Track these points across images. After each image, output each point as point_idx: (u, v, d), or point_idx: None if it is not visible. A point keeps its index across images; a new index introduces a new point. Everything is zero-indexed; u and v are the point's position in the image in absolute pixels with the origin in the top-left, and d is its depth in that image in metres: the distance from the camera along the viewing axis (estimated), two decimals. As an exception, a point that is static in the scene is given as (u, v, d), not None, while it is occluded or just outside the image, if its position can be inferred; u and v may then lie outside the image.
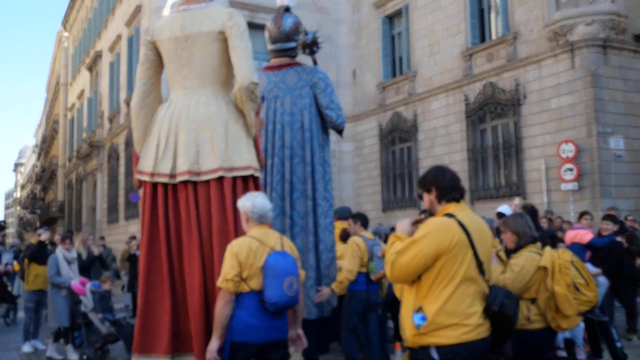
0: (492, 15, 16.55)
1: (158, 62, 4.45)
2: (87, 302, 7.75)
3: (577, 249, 7.43)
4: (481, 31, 16.72)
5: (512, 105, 15.13)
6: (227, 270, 3.65)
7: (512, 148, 15.22)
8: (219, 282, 3.68)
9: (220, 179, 4.13)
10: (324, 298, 5.56)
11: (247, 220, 3.87)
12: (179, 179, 4.15)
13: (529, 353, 4.06)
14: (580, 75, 13.61)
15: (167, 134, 4.22)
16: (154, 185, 4.25)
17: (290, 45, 5.90)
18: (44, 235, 9.85)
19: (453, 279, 3.01)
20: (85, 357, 7.72)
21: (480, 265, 3.07)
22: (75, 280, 7.93)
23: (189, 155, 4.13)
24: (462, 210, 3.19)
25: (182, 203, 4.17)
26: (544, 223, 9.10)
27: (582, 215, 8.39)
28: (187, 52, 4.26)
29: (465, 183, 16.21)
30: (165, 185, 4.22)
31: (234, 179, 4.18)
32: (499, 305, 3.04)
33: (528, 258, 4.09)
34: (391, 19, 20.05)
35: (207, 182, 4.14)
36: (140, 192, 4.53)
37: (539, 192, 14.31)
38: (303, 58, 6.21)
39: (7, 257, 10.54)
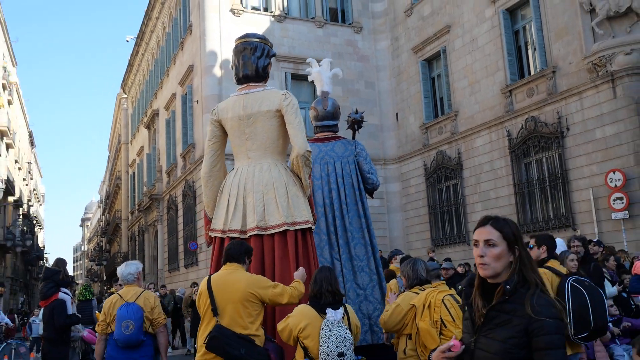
0: (530, 51, 16.41)
1: (222, 137, 5.10)
2: None
3: (635, 280, 7.13)
4: (520, 67, 16.57)
5: (556, 137, 14.81)
6: (99, 318, 5.54)
7: (558, 180, 14.83)
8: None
9: (284, 233, 4.75)
10: None
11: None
12: (249, 233, 4.76)
13: None
14: (624, 104, 13.26)
15: (236, 197, 4.85)
16: (223, 240, 4.85)
17: (335, 123, 6.95)
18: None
19: (202, 320, 4.14)
20: None
21: (214, 308, 4.01)
22: (85, 331, 8.06)
23: (256, 214, 4.74)
24: (224, 270, 4.18)
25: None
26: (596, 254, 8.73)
27: None
28: (250, 128, 4.89)
29: (513, 217, 15.87)
30: (233, 240, 4.78)
31: (296, 231, 4.79)
32: (205, 340, 3.96)
33: (405, 297, 4.55)
34: (430, 62, 20.12)
35: (273, 235, 4.74)
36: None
37: (589, 223, 13.83)
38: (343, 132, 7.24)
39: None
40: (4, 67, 39.29)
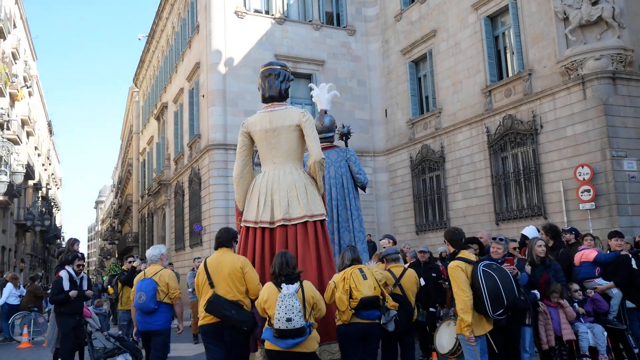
0: (508, 55, 16.42)
1: (250, 146, 5.72)
2: (93, 323, 7.85)
3: (587, 266, 7.04)
4: (499, 70, 16.58)
5: (530, 134, 14.87)
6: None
7: (532, 173, 14.90)
8: None
9: (305, 223, 5.39)
10: None
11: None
12: (277, 224, 5.40)
13: (341, 341, 5.16)
14: (593, 105, 13.32)
15: (265, 194, 5.49)
16: (255, 229, 5.49)
17: (330, 135, 7.78)
18: (136, 262, 10.05)
19: (200, 293, 4.88)
20: None
21: (211, 282, 4.76)
22: None
23: (282, 208, 5.39)
24: (216, 253, 4.93)
25: (277, 239, 5.37)
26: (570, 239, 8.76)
27: (584, 237, 8.03)
28: (275, 139, 5.52)
29: (490, 206, 15.99)
30: (263, 229, 5.45)
31: (314, 222, 5.44)
32: (204, 306, 4.71)
33: (335, 277, 5.16)
34: (417, 63, 20.10)
35: (295, 225, 5.36)
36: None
37: (559, 212, 13.93)
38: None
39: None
40: (25, 61, 38.93)
